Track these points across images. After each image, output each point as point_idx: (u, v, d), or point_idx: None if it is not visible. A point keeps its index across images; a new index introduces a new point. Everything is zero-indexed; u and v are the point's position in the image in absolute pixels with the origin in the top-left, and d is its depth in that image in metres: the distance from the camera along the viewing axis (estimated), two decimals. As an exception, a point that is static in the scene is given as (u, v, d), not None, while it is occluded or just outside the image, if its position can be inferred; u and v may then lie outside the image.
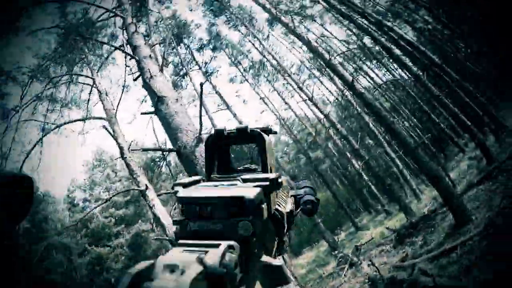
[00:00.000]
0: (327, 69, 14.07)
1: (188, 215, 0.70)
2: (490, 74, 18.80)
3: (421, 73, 12.40)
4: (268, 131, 1.00)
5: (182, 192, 0.74)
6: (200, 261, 0.50)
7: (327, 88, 28.21)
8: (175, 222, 0.71)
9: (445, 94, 13.21)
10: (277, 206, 0.89)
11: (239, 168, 1.04)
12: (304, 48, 22.13)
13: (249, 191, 0.68)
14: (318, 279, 10.18)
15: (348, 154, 21.65)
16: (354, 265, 9.00)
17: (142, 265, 0.51)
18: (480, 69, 18.90)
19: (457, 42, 22.56)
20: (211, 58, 24.28)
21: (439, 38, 23.40)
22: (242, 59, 25.78)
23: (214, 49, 24.20)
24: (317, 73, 26.14)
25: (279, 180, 0.80)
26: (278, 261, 0.75)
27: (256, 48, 23.44)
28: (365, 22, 12.75)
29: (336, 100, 29.18)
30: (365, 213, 27.05)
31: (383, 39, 12.52)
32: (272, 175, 0.78)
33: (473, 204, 7.76)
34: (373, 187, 20.89)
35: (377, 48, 24.74)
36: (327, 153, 25.31)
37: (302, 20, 25.35)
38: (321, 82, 27.22)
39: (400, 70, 26.63)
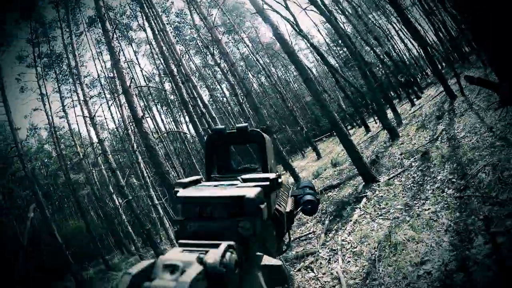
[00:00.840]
0: (121, 95, 13.57)
1: (188, 215, 0.69)
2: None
3: (203, 134, 13.42)
4: (268, 131, 1.00)
5: (182, 192, 0.73)
6: (200, 261, 0.49)
7: (111, 114, 26.93)
8: (175, 222, 0.70)
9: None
10: (277, 206, 0.89)
11: (239, 168, 1.02)
12: (108, 64, 20.90)
13: (249, 191, 0.67)
14: None
15: (111, 188, 20.62)
16: None
17: (142, 265, 0.49)
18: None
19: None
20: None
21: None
22: (43, 42, 21.87)
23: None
24: (108, 96, 24.76)
25: (279, 180, 0.79)
26: (278, 261, 0.73)
27: (63, 38, 20.03)
28: (175, 70, 13.14)
29: (116, 130, 28.14)
30: (118, 252, 25.51)
31: (184, 92, 13.03)
32: (272, 175, 0.77)
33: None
34: (130, 227, 20.27)
35: (172, 97, 25.86)
36: (89, 180, 23.33)
37: (121, 37, 24.29)
38: (108, 106, 25.84)
39: (185, 126, 28.30)
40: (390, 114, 14.58)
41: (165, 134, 25.73)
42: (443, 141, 8.32)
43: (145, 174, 17.27)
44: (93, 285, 13.92)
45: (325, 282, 4.92)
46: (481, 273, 3.38)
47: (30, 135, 32.54)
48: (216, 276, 0.48)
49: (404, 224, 5.35)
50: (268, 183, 0.75)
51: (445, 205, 5.25)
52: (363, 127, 19.53)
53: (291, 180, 14.49)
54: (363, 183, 8.29)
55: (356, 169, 8.67)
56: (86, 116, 17.77)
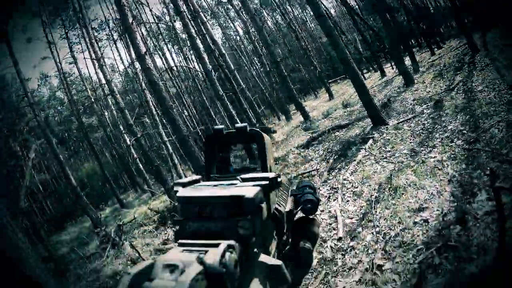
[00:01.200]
0: (126, 34, 13.14)
1: (187, 214, 0.80)
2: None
3: (211, 69, 13.14)
4: (267, 130, 1.13)
5: (182, 192, 0.83)
6: (200, 260, 0.52)
7: (120, 56, 26.56)
8: (174, 222, 0.78)
9: (225, 90, 14.53)
10: (277, 206, 0.88)
11: (238, 168, 1.06)
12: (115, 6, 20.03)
13: (249, 191, 0.75)
14: (81, 260, 9.15)
15: (122, 128, 20.72)
16: (116, 245, 8.51)
17: (142, 265, 0.51)
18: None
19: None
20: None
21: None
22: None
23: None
24: (116, 37, 24.21)
25: (279, 179, 0.83)
26: (278, 261, 0.76)
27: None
28: (183, 7, 12.64)
29: (125, 70, 27.84)
30: (132, 191, 26.41)
31: (192, 29, 12.62)
32: (271, 174, 0.83)
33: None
34: (141, 165, 20.67)
35: (183, 36, 25.00)
36: (102, 122, 23.54)
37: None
38: (115, 45, 25.35)
39: (196, 64, 27.71)
40: (408, 61, 14.02)
41: (175, 71, 25.25)
42: (459, 92, 8.02)
43: (154, 112, 17.25)
44: (107, 222, 14.44)
45: (322, 219, 4.98)
46: (479, 229, 3.34)
47: (42, 84, 32.12)
48: (216, 276, 0.50)
49: (407, 169, 5.29)
50: (267, 182, 0.75)
51: (452, 155, 5.14)
52: (379, 71, 18.96)
53: (301, 118, 14.46)
54: (371, 125, 8.19)
55: (366, 111, 8.48)
56: (94, 59, 17.50)
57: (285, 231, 1.00)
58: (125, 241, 7.93)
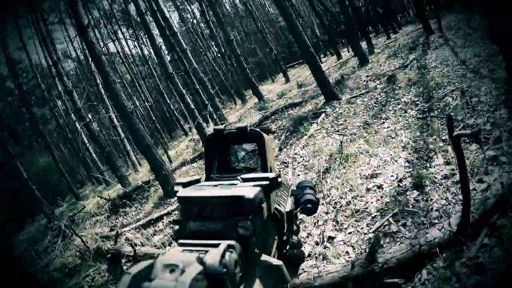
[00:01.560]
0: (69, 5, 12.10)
1: (187, 215, 0.69)
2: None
3: (160, 46, 12.51)
4: (267, 131, 1.21)
5: (182, 192, 0.73)
6: (200, 260, 0.49)
7: (69, 36, 24.73)
8: (174, 222, 0.70)
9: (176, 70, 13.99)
10: (277, 206, 0.89)
11: (238, 168, 1.03)
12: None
13: (249, 191, 0.66)
14: (33, 258, 8.51)
15: (73, 116, 19.19)
16: (66, 238, 8.03)
17: (142, 265, 0.49)
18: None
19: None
20: None
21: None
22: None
23: None
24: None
25: (279, 179, 0.77)
26: (277, 261, 0.71)
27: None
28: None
29: (75, 53, 26.50)
30: (89, 184, 25.22)
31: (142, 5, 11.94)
32: (271, 175, 0.75)
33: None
34: (94, 154, 19.45)
35: (139, 19, 24.07)
36: (54, 112, 21.88)
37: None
38: (66, 28, 23.65)
39: (151, 49, 26.80)
40: (364, 45, 14.00)
41: (130, 57, 24.01)
42: (412, 68, 7.98)
43: (104, 96, 16.14)
44: (63, 217, 13.51)
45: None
46: (439, 193, 3.12)
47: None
48: (216, 276, 0.47)
49: (359, 139, 5.02)
50: (267, 182, 0.72)
51: (406, 125, 4.93)
52: (335, 55, 19.01)
53: (256, 100, 14.26)
54: (324, 101, 7.94)
55: (320, 90, 8.24)
56: (41, 40, 16.18)
57: (285, 231, 0.83)
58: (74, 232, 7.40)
